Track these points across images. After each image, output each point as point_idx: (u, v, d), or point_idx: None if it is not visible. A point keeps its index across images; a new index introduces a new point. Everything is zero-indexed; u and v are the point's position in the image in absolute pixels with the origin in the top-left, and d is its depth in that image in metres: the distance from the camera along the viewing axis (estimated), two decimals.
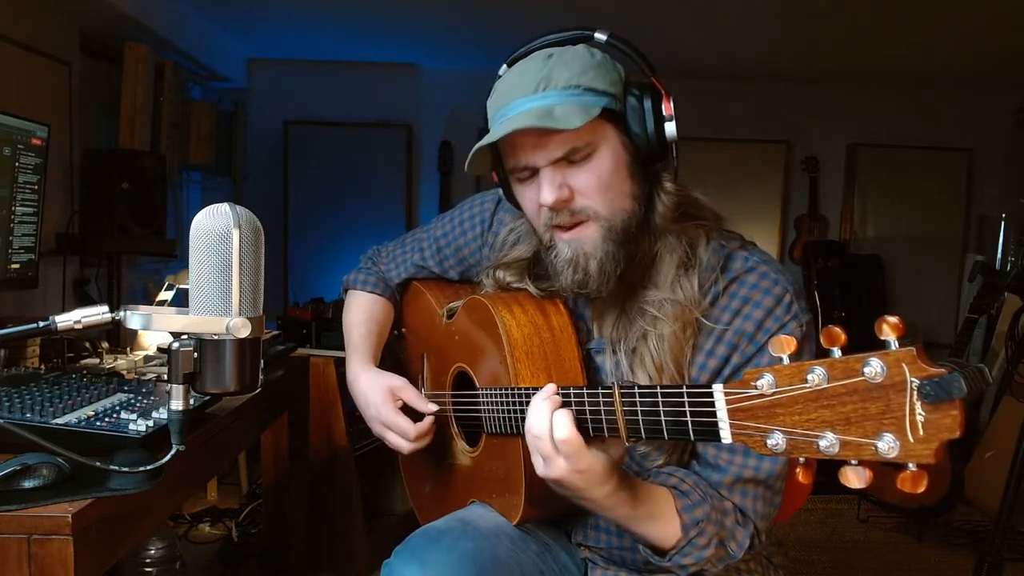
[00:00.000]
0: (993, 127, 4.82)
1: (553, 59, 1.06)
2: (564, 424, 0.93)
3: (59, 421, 1.11)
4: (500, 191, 1.31)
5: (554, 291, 1.17)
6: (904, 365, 0.63)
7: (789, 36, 3.82)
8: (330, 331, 2.99)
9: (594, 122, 1.03)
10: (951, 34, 3.64)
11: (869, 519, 3.24)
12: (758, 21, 3.57)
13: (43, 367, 1.62)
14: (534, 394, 1.02)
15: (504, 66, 1.15)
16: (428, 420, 1.28)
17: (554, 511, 1.20)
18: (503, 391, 1.13)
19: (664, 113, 1.06)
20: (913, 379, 0.63)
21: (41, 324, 0.83)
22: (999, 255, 4.48)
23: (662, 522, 1.01)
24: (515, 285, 1.22)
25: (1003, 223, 4.55)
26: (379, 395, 1.32)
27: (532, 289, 1.19)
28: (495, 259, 1.27)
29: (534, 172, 1.07)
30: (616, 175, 1.06)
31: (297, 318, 3.12)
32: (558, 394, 0.97)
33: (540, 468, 0.97)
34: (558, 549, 1.23)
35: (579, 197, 1.06)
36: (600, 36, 1.09)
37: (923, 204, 4.89)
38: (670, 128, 1.05)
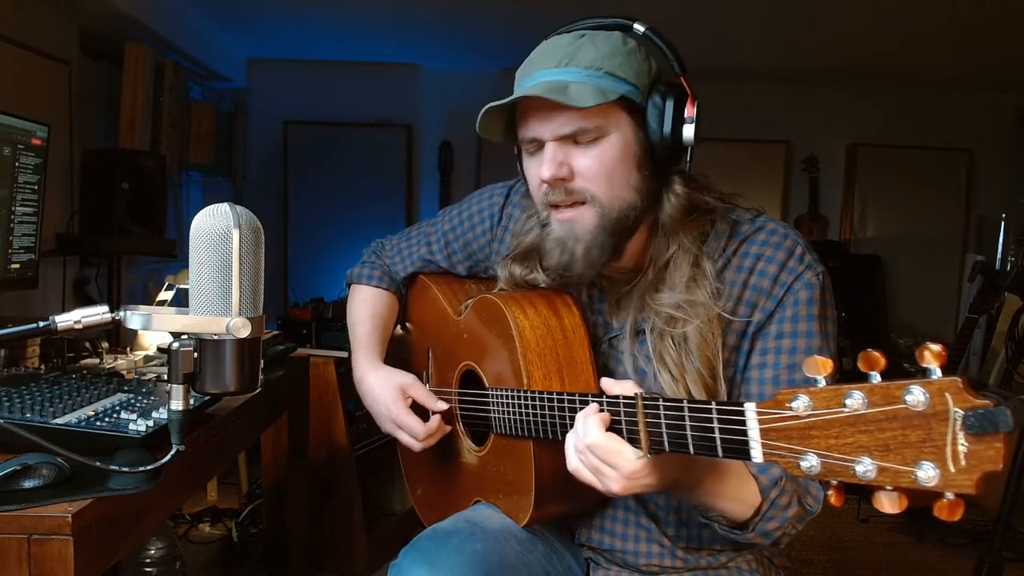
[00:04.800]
0: (993, 127, 4.82)
1: (584, 39, 1.06)
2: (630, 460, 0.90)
3: (59, 421, 1.11)
4: (508, 184, 1.31)
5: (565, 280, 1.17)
6: (948, 395, 0.63)
7: (789, 36, 3.82)
8: (330, 331, 2.99)
9: (608, 107, 1.02)
10: (951, 34, 3.64)
11: (869, 519, 3.24)
12: (758, 21, 3.57)
13: (43, 367, 1.62)
14: (548, 398, 1.02)
15: (544, 41, 1.13)
16: (436, 418, 1.28)
17: (562, 513, 1.20)
18: (516, 393, 1.12)
19: (685, 115, 1.05)
20: (957, 409, 0.62)
21: (41, 324, 0.83)
22: (999, 255, 4.47)
23: (743, 489, 0.98)
24: (527, 277, 1.21)
25: (1003, 223, 4.55)
26: (389, 394, 1.31)
27: (542, 277, 1.18)
28: (512, 247, 1.25)
29: (541, 145, 1.07)
30: (621, 164, 1.05)
31: (297, 318, 3.12)
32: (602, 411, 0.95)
33: (602, 486, 0.93)
34: (562, 549, 1.22)
35: (578, 178, 1.06)
36: (638, 27, 1.09)
37: (923, 204, 4.90)
38: (687, 131, 1.05)
